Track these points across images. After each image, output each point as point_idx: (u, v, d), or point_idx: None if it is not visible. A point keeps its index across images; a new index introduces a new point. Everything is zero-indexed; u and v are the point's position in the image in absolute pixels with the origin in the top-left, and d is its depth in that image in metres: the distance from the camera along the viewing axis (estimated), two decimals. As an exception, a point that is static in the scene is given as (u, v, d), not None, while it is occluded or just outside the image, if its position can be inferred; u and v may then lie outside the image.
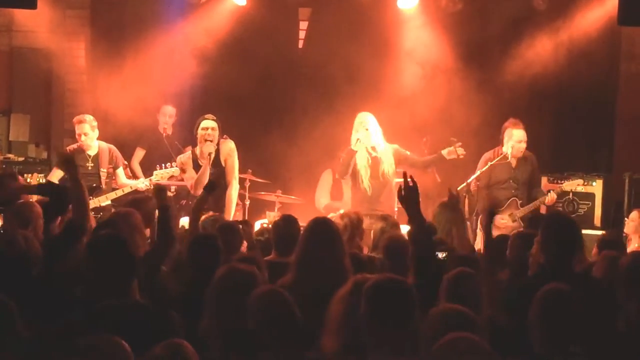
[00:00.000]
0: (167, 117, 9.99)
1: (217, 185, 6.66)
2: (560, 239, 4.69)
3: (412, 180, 4.46)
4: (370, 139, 8.46)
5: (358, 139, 8.44)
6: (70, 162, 5.68)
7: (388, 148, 8.56)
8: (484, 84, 10.04)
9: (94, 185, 8.63)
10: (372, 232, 7.06)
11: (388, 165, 8.49)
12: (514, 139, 9.01)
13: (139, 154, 9.89)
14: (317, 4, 10.73)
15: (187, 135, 9.89)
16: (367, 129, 8.44)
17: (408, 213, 4.39)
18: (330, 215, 8.28)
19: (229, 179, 8.52)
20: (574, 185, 9.08)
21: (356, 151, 8.45)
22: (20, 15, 10.35)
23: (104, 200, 8.63)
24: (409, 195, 4.39)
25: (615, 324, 4.36)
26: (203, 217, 6.45)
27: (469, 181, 8.77)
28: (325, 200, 10.06)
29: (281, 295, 3.96)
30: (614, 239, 6.00)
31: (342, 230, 6.14)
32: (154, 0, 10.48)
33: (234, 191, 8.52)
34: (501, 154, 9.03)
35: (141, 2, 10.41)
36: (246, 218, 9.31)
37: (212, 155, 8.30)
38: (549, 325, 3.75)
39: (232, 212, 8.38)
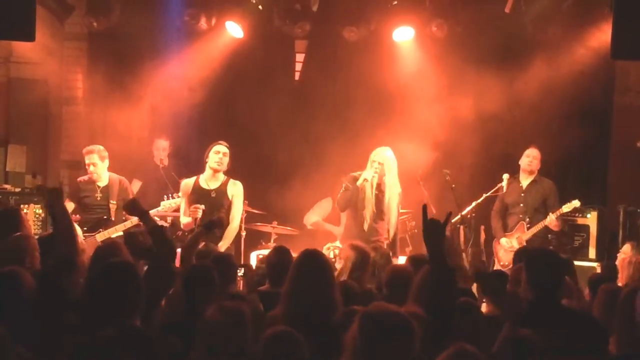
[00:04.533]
0: (161, 151, 10.03)
1: (215, 226, 6.64)
2: (543, 276, 4.68)
3: (448, 217, 4.34)
4: (378, 180, 8.35)
5: (366, 180, 8.31)
6: (57, 195, 5.57)
7: (397, 192, 8.47)
8: (479, 116, 10.08)
9: (104, 217, 8.63)
10: None
11: (393, 212, 8.41)
12: (524, 154, 9.40)
13: (136, 185, 9.90)
14: (313, 36, 10.79)
15: (184, 166, 9.91)
16: (377, 170, 8.33)
17: (429, 250, 4.19)
18: (329, 245, 8.33)
19: (233, 216, 8.45)
20: (572, 206, 9.13)
21: (360, 188, 8.32)
22: (19, 46, 10.42)
23: (113, 233, 8.56)
24: (434, 232, 4.18)
25: (606, 356, 4.40)
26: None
27: (463, 213, 8.81)
28: (315, 218, 10.06)
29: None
30: (604, 275, 6.02)
31: (353, 262, 6.18)
32: (151, 32, 10.52)
33: (233, 229, 8.42)
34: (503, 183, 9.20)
35: (138, 34, 10.45)
36: (242, 249, 9.33)
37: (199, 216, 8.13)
38: None
39: (225, 247, 8.32)
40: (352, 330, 3.46)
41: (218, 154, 8.37)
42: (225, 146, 8.43)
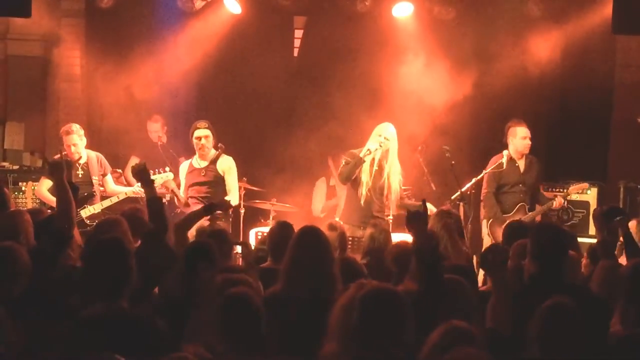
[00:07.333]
0: (153, 133, 10.00)
1: (216, 208, 6.63)
2: (549, 249, 4.67)
3: (424, 205, 4.45)
4: (380, 152, 8.22)
5: (369, 150, 8.19)
6: (58, 167, 5.60)
7: (398, 172, 8.37)
8: (479, 93, 10.04)
9: (86, 194, 8.61)
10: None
11: (393, 189, 8.31)
12: (519, 136, 9.11)
13: (133, 162, 9.85)
14: (312, 12, 10.73)
15: (182, 144, 9.88)
16: (381, 144, 8.19)
17: (414, 236, 4.38)
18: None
19: (229, 189, 8.54)
20: (580, 188, 9.06)
21: (364, 161, 8.24)
22: (15, 23, 10.35)
23: (98, 208, 8.61)
24: (418, 219, 4.36)
25: (607, 334, 4.38)
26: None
27: (463, 189, 8.75)
28: (320, 205, 10.08)
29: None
30: (605, 247, 5.98)
31: (333, 242, 6.14)
32: (149, 9, 10.47)
33: (231, 201, 8.39)
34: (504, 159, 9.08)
35: (136, 11, 10.41)
36: (241, 226, 9.30)
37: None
38: (548, 340, 3.73)
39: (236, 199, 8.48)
40: (339, 308, 3.45)
41: (200, 140, 8.48)
42: (205, 128, 8.49)
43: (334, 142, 9.54)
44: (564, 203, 9.40)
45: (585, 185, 9.08)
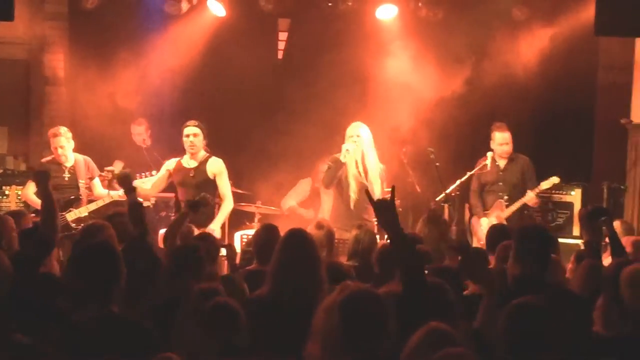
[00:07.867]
0: (137, 136, 9.98)
1: (199, 204, 6.63)
2: (533, 251, 4.69)
3: (392, 193, 4.31)
4: (359, 152, 8.28)
5: (347, 150, 8.22)
6: (43, 175, 5.61)
7: (378, 167, 8.39)
8: (462, 94, 10.06)
9: (72, 197, 8.59)
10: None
11: (376, 186, 8.29)
12: (496, 142, 9.28)
13: (118, 166, 9.83)
14: (296, 15, 10.74)
15: (167, 147, 9.86)
16: (356, 142, 8.24)
17: (386, 228, 4.14)
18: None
19: (223, 194, 8.46)
20: (550, 182, 9.12)
21: (345, 163, 8.29)
22: (-2, 26, 10.30)
23: (84, 212, 8.58)
24: (385, 211, 4.06)
25: (589, 333, 4.40)
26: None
27: (448, 191, 8.78)
28: (292, 203, 10.06)
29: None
30: (590, 247, 6.00)
31: (321, 241, 6.14)
32: (132, 11, 10.44)
33: (227, 206, 8.43)
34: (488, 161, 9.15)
35: (120, 14, 10.38)
36: (226, 229, 9.30)
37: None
38: (512, 338, 3.69)
39: (219, 223, 8.32)
40: (322, 310, 3.45)
41: (188, 138, 8.38)
42: (195, 126, 8.40)
43: (319, 145, 9.53)
44: (547, 203, 9.45)
45: (556, 179, 9.13)
